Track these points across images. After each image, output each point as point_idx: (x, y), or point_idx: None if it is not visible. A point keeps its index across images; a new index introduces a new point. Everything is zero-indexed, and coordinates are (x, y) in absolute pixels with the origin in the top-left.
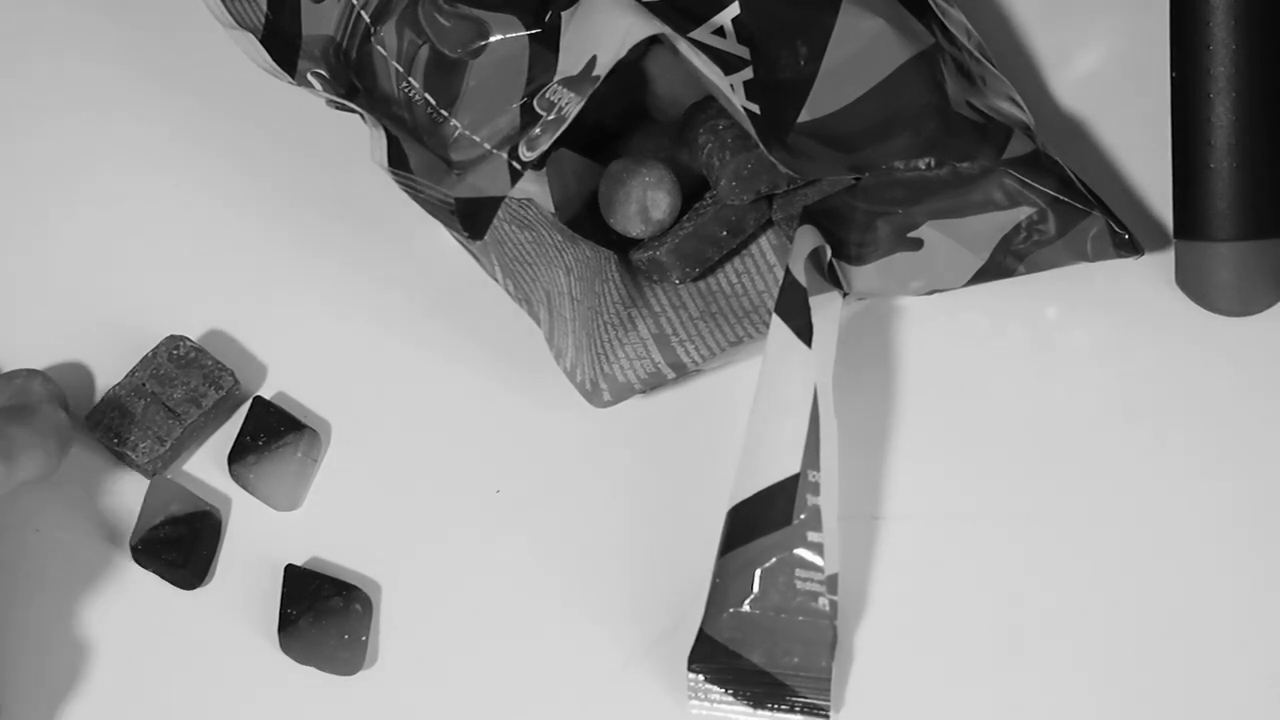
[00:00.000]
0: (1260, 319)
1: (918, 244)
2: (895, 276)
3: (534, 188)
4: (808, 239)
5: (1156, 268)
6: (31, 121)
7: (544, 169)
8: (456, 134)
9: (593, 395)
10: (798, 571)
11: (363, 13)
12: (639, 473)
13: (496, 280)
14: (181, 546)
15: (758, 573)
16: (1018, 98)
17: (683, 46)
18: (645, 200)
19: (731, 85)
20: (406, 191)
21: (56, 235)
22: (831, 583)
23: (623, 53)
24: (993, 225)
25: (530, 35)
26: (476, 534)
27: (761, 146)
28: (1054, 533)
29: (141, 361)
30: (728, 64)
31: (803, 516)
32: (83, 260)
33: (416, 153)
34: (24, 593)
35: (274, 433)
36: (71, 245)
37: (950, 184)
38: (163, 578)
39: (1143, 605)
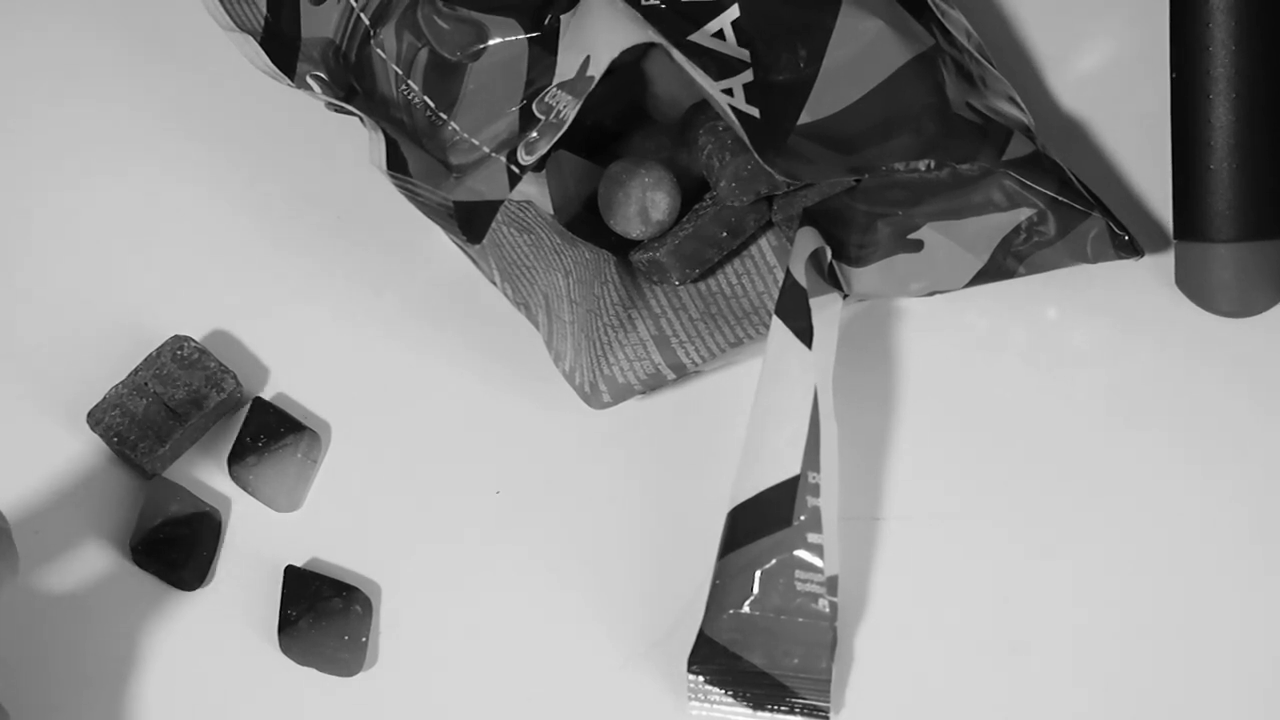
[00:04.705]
0: (1260, 319)
1: (918, 245)
2: (895, 278)
3: (533, 190)
4: (808, 240)
5: (1156, 269)
6: (37, 121)
7: (543, 171)
8: (455, 137)
9: (592, 397)
10: (798, 573)
11: (362, 15)
12: (639, 474)
13: (495, 284)
14: (181, 547)
15: (758, 574)
16: (1018, 98)
17: (676, 55)
18: (645, 201)
19: (730, 89)
20: (405, 195)
21: (63, 235)
22: (831, 584)
23: (615, 54)
24: (993, 226)
25: (529, 38)
26: (476, 535)
27: (755, 155)
28: (1054, 533)
29: (145, 361)
30: (728, 67)
31: (803, 518)
32: (88, 260)
33: (415, 156)
34: (24, 593)
35: (274, 434)
36: (78, 245)
37: (950, 185)
38: (162, 578)
39: (1142, 605)
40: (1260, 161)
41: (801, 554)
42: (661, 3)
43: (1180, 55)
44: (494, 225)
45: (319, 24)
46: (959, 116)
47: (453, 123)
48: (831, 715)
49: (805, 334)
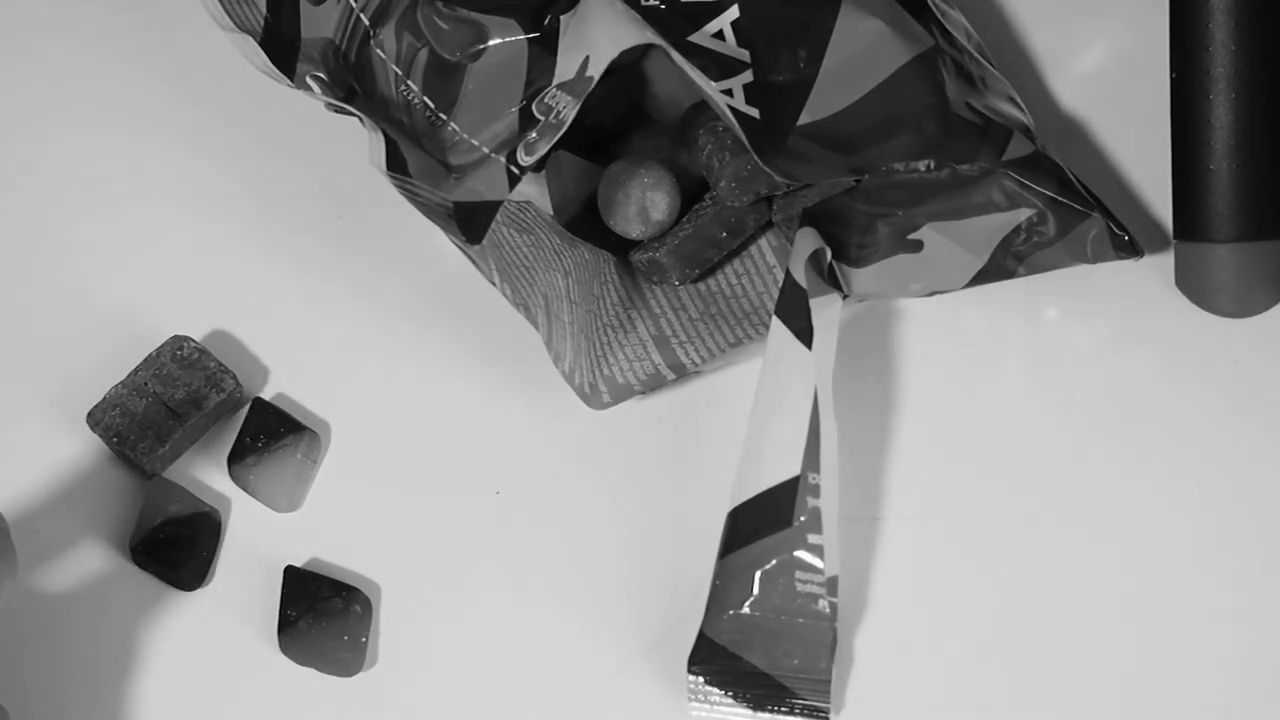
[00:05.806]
0: (1260, 320)
1: (918, 246)
2: (895, 278)
3: (533, 190)
4: (808, 241)
5: (1156, 269)
6: (37, 123)
7: (543, 171)
8: (455, 137)
9: (591, 398)
10: (798, 573)
11: (362, 15)
12: (638, 474)
13: (494, 284)
14: (181, 547)
15: (758, 575)
16: (1018, 98)
17: (676, 56)
18: (644, 201)
19: (730, 90)
20: (404, 195)
21: (64, 234)
22: (831, 585)
23: (615, 54)
24: (992, 227)
25: (529, 39)
26: (476, 535)
27: (754, 156)
28: (1054, 533)
29: (145, 361)
30: (727, 68)
31: (803, 518)
32: (88, 259)
33: (415, 156)
34: (23, 593)
35: (274, 434)
36: (78, 244)
37: (950, 186)
38: (162, 579)
39: (1143, 605)
40: (1260, 161)
41: (801, 554)
42: (661, 3)
43: (1180, 55)
44: (494, 226)
45: (319, 24)
46: (959, 117)
47: (452, 123)
48: (831, 715)
49: (805, 334)
